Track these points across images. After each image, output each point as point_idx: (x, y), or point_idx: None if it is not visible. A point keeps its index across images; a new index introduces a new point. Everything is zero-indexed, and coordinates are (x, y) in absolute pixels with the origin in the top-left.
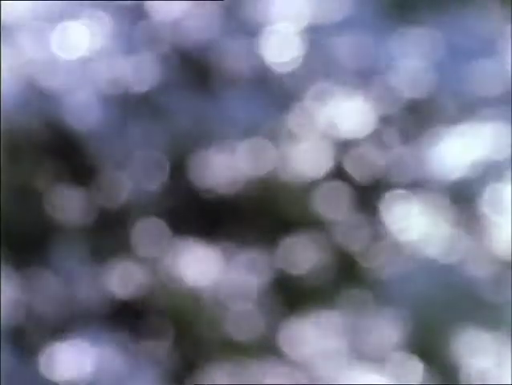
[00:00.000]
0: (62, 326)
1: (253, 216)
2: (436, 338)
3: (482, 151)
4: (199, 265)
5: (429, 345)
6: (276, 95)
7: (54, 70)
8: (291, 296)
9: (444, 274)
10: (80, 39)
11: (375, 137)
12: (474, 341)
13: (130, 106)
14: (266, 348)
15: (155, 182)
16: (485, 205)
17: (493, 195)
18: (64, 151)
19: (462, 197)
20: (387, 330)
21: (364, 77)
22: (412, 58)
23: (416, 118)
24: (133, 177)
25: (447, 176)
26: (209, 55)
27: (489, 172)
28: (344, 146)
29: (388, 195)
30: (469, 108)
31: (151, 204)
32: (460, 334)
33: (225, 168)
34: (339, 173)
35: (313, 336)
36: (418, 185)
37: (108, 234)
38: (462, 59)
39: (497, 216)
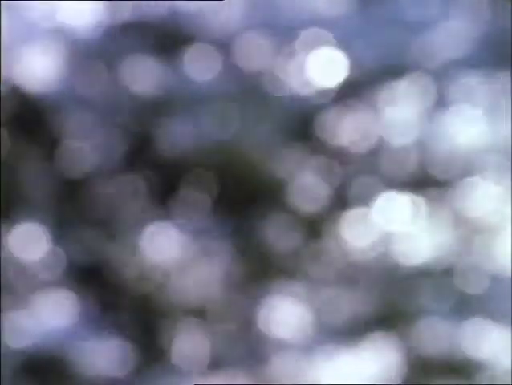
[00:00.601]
0: (25, 293)
1: (215, 181)
2: (402, 312)
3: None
4: (161, 233)
5: (396, 317)
6: (239, 60)
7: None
8: (255, 264)
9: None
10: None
11: (340, 102)
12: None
13: (92, 74)
14: (231, 317)
15: (117, 149)
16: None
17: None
18: (26, 120)
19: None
20: (354, 301)
21: None
22: None
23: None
24: (95, 145)
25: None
26: (171, 21)
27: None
28: (308, 111)
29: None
30: None
31: (113, 172)
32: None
33: (187, 133)
34: (302, 138)
35: (278, 305)
36: (380, 154)
37: (71, 203)
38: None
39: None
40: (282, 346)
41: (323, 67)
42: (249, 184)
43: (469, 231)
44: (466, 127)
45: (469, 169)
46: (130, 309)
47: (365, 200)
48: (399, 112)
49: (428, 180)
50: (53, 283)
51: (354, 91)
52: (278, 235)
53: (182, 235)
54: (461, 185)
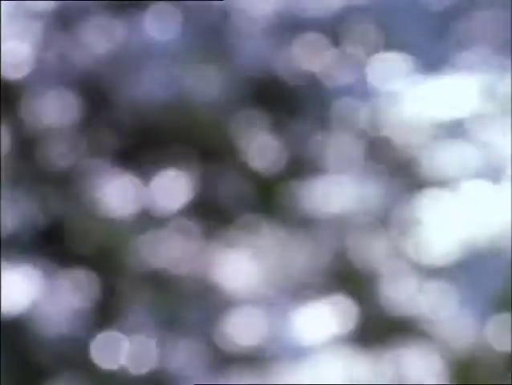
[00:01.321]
0: None
1: (172, 140)
2: (356, 270)
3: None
4: (119, 189)
5: (350, 275)
6: (197, 18)
7: None
8: (211, 221)
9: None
10: None
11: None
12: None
13: (48, 33)
14: (188, 273)
15: (75, 108)
16: None
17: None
18: None
19: None
20: (309, 258)
21: None
22: None
23: None
24: (53, 104)
25: None
26: None
27: None
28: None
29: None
30: None
31: (71, 129)
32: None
33: (145, 91)
34: (259, 98)
35: (233, 261)
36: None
37: (28, 160)
38: None
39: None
40: (238, 302)
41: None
42: (206, 141)
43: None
44: None
45: None
46: (89, 267)
47: (319, 158)
48: None
49: None
50: (10, 242)
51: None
52: (232, 192)
53: (139, 189)
54: None
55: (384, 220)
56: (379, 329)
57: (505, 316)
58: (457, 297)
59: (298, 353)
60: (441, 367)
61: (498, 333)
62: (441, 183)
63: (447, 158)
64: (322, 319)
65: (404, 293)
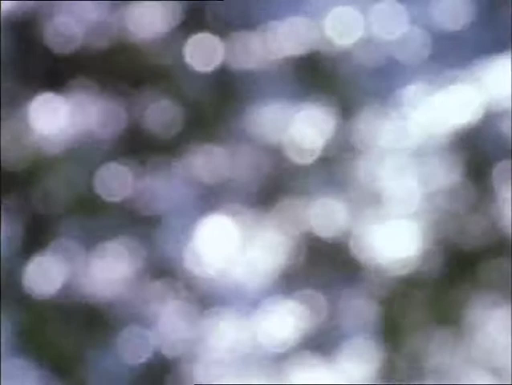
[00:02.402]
0: None
1: (105, 68)
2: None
3: None
4: (50, 117)
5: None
6: None
7: None
8: (143, 148)
9: None
10: None
11: None
12: None
13: None
14: (120, 199)
15: (6, 39)
16: None
17: None
18: None
19: None
20: (239, 173)
21: None
22: None
23: None
24: None
25: None
26: None
27: None
28: None
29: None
30: None
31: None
32: None
33: (76, 19)
34: (192, 26)
35: (166, 187)
36: None
37: None
38: None
39: None
40: (170, 225)
41: None
42: (136, 68)
43: None
44: None
45: None
46: (18, 193)
47: (254, 82)
48: None
49: None
50: None
51: None
52: (164, 119)
53: (71, 117)
54: None
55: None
56: (311, 258)
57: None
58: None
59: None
60: (373, 295)
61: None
62: None
63: None
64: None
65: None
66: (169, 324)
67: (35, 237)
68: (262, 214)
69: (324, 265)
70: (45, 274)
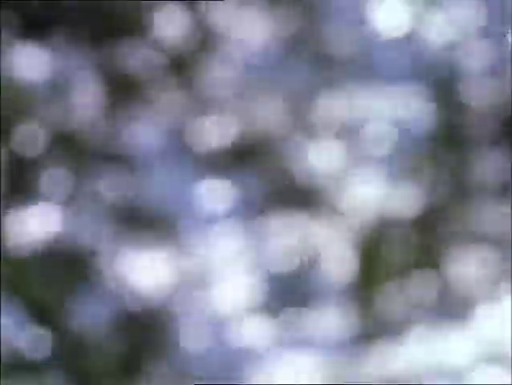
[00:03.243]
0: None
1: (84, 17)
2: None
3: None
4: (30, 58)
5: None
6: None
7: None
8: (120, 93)
9: None
10: None
11: None
12: None
13: None
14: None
15: None
16: None
17: None
18: None
19: None
20: (219, 130)
21: None
22: None
23: None
24: None
25: None
26: None
27: None
28: None
29: None
30: None
31: None
32: None
33: None
34: None
35: (143, 131)
36: None
37: None
38: None
39: None
40: (148, 165)
41: None
42: (117, 15)
43: None
44: None
45: None
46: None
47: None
48: None
49: None
50: None
51: None
52: (142, 65)
53: (51, 62)
54: None
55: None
56: (286, 199)
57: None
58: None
59: (203, 219)
60: (348, 237)
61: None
62: None
63: None
64: (226, 192)
65: (311, 163)
66: (148, 271)
67: (16, 184)
68: (239, 159)
69: (300, 209)
70: (26, 221)
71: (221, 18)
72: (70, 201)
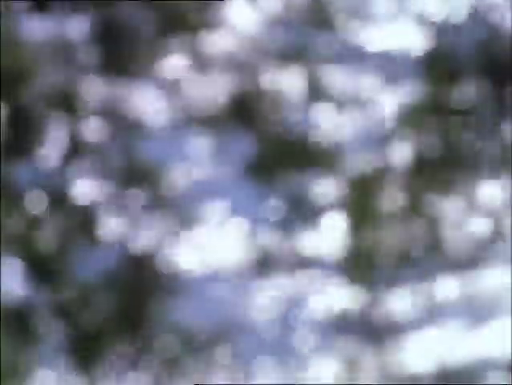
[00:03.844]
0: None
1: None
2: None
3: None
4: (32, 21)
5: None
6: None
7: None
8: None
9: None
10: None
11: None
12: None
13: None
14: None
15: None
16: None
17: None
18: None
19: None
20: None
21: None
22: None
23: None
24: None
25: None
26: None
27: None
28: None
29: None
30: None
31: None
32: None
33: None
34: None
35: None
36: None
37: None
38: None
39: None
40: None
41: None
42: None
43: None
44: None
45: None
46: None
47: None
48: None
49: None
50: None
51: None
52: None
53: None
54: None
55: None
56: (279, 155)
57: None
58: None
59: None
60: (340, 190)
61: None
62: None
63: None
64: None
65: (304, 119)
66: (149, 228)
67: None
68: (236, 118)
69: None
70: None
71: None
72: (70, 158)
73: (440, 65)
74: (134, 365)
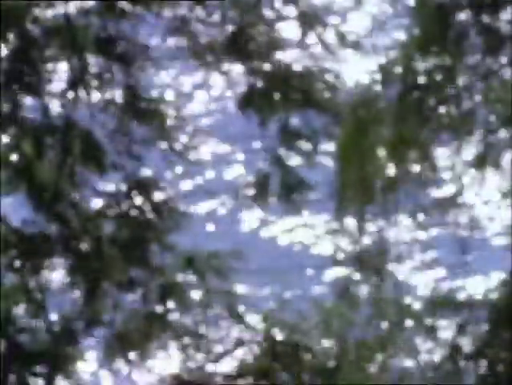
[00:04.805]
0: None
1: None
2: None
3: None
4: None
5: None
6: None
7: None
8: None
9: None
10: None
11: None
12: None
13: None
14: None
15: None
16: None
17: None
18: None
19: None
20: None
21: None
22: None
23: None
24: None
25: None
26: None
27: None
28: None
29: None
30: None
31: None
32: None
33: None
34: None
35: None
36: None
37: None
38: None
39: None
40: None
41: None
42: None
43: None
44: None
45: None
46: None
47: None
48: None
49: None
50: None
51: None
52: None
53: None
54: None
55: None
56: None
57: None
58: None
59: None
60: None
61: None
62: None
63: None
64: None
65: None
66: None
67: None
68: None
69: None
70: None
71: None
72: (70, 91)
73: None
74: (135, 287)
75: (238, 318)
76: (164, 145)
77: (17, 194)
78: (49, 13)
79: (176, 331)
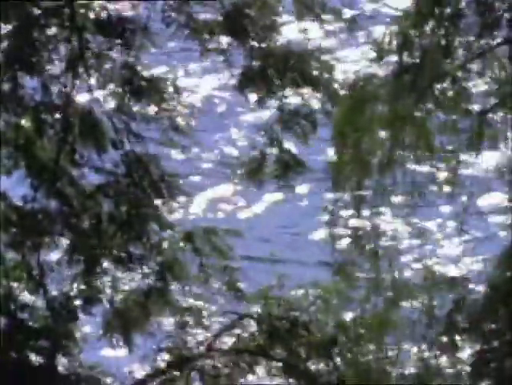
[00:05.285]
0: None
1: None
2: None
3: None
4: None
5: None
6: None
7: None
8: None
9: None
10: None
11: None
12: None
13: None
14: None
15: None
16: None
17: None
18: None
19: None
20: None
21: None
22: None
23: None
24: None
25: None
26: None
27: None
28: None
29: None
30: None
31: None
32: None
33: None
34: None
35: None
36: None
37: None
38: None
39: None
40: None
41: None
42: None
43: None
44: None
45: None
46: None
47: None
48: None
49: None
50: None
51: None
52: None
53: None
54: None
55: None
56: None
57: None
58: None
59: None
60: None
61: None
62: None
63: None
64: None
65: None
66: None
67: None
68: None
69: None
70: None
71: None
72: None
73: None
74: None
75: (237, 293)
76: (163, 122)
77: (16, 172)
78: None
79: (175, 308)
